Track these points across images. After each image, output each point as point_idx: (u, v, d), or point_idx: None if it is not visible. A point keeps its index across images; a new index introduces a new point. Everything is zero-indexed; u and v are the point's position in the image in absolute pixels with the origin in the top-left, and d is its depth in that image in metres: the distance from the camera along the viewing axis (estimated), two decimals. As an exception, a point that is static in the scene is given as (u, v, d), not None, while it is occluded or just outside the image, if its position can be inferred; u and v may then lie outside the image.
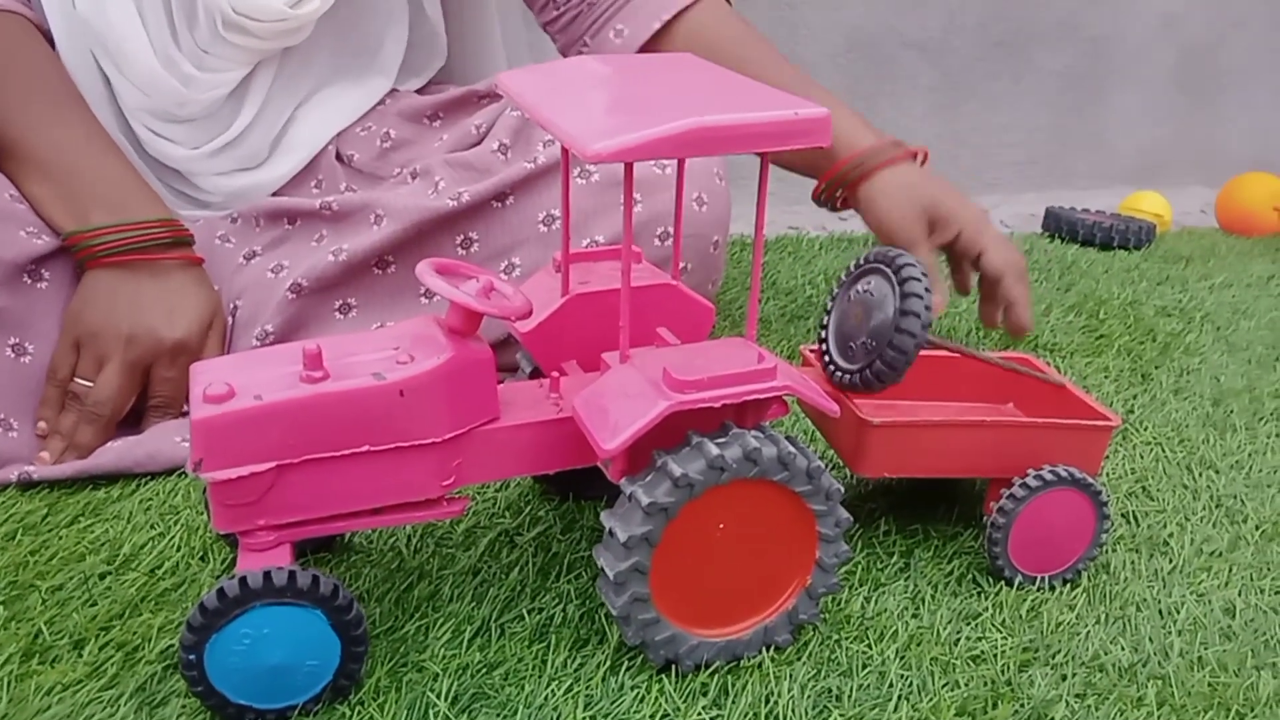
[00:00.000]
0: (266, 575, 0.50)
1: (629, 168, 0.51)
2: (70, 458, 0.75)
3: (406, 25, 0.99)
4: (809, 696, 0.55)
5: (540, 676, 0.56)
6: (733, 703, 0.54)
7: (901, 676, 0.57)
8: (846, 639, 0.59)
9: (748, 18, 1.00)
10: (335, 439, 0.53)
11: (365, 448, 0.53)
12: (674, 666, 0.56)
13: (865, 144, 0.94)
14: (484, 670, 0.56)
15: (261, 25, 0.85)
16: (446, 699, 0.54)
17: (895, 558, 0.67)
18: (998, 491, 0.65)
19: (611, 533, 0.53)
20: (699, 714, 0.54)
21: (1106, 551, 0.69)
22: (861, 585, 0.64)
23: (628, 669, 0.56)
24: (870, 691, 0.56)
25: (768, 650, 0.58)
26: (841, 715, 0.54)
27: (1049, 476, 0.63)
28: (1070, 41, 1.63)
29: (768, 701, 0.55)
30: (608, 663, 0.57)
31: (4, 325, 0.76)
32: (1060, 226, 1.37)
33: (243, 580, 0.49)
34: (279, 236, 0.89)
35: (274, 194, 0.94)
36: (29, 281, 0.78)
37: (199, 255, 0.83)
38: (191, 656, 0.50)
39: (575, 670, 0.56)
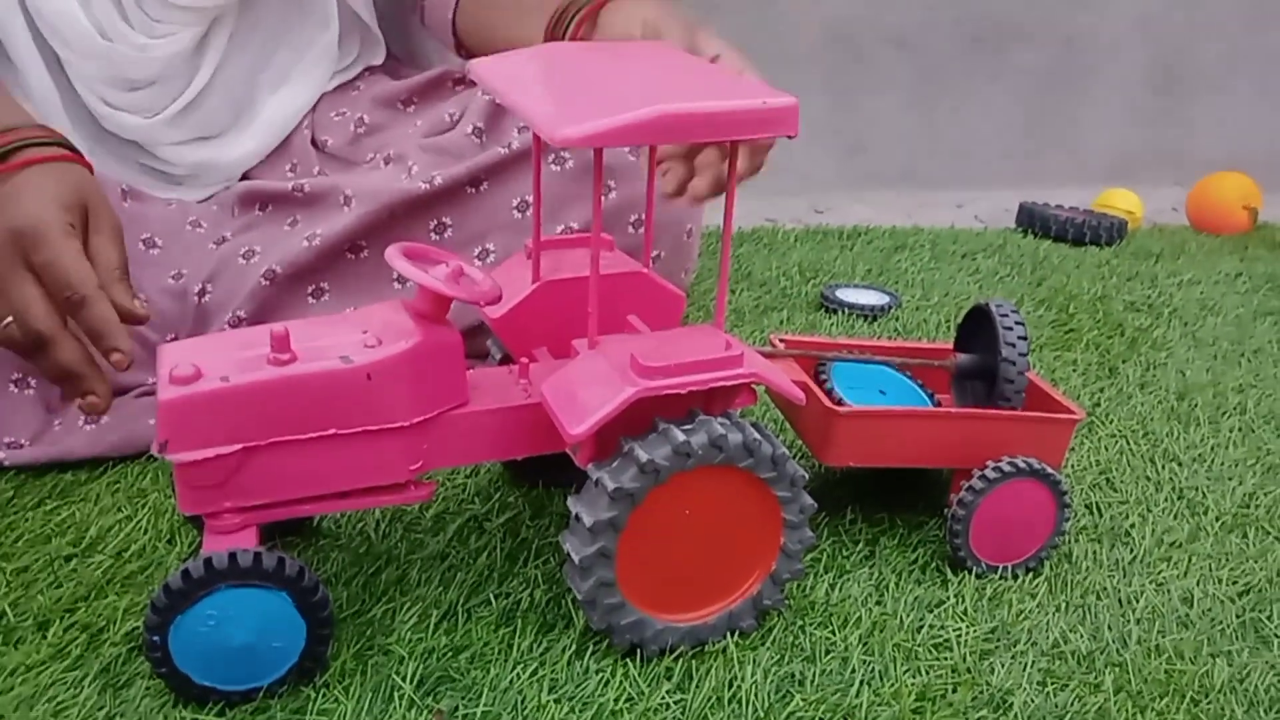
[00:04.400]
0: (231, 556, 0.50)
1: (598, 153, 0.52)
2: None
3: None
4: (772, 681, 0.56)
5: (506, 660, 0.56)
6: (696, 687, 0.55)
7: (864, 662, 0.58)
8: (810, 625, 0.60)
9: (724, 9, 0.96)
10: (302, 422, 0.53)
11: (332, 431, 0.54)
12: (639, 651, 0.57)
13: None
14: (450, 654, 0.57)
15: None
16: (412, 682, 0.54)
17: (860, 546, 0.68)
18: (960, 483, 0.66)
19: (577, 518, 0.54)
20: (663, 698, 0.54)
21: (1068, 541, 0.70)
22: (826, 572, 0.65)
23: (593, 653, 0.57)
24: (833, 677, 0.57)
25: (732, 635, 0.58)
26: (804, 700, 0.54)
27: (1008, 468, 0.64)
28: (1046, 40, 1.64)
29: (731, 686, 0.55)
30: (573, 647, 0.57)
31: None
32: (1033, 222, 1.38)
33: (208, 561, 0.49)
34: (250, 221, 0.89)
35: (247, 176, 0.93)
36: None
37: (61, 154, 0.66)
38: (156, 638, 0.50)
39: (541, 654, 0.57)
